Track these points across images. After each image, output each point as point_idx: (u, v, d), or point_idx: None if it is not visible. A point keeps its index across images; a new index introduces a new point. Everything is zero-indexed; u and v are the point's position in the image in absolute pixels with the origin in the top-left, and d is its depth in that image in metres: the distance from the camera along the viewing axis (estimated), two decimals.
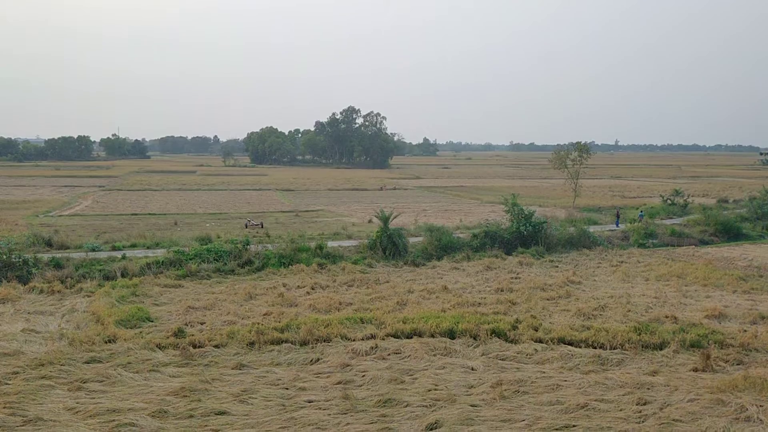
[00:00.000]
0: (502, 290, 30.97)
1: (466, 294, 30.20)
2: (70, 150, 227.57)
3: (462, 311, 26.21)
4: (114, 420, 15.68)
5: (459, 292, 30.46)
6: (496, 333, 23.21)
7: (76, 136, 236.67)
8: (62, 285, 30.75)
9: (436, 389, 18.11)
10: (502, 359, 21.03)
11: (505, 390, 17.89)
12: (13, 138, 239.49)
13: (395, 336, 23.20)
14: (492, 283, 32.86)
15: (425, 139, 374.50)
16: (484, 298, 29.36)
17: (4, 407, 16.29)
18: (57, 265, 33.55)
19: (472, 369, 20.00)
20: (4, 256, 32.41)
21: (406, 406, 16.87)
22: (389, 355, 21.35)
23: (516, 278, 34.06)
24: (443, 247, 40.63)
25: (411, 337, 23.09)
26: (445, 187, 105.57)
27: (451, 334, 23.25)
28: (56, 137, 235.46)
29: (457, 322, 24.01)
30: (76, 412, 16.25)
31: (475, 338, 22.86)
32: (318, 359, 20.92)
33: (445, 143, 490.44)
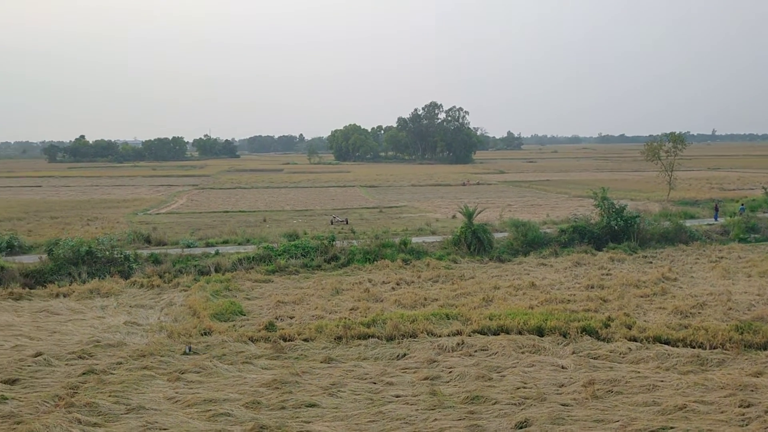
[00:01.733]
0: (592, 287, 30.10)
1: (555, 290, 29.54)
2: (165, 150, 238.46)
3: (551, 308, 25.66)
4: (210, 410, 16.32)
5: (547, 289, 29.83)
6: (587, 331, 22.57)
7: (170, 138, 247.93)
8: (160, 280, 32.27)
9: (524, 387, 17.81)
10: (594, 358, 20.43)
11: (598, 389, 17.38)
12: (113, 140, 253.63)
13: (482, 332, 22.98)
14: (582, 279, 31.98)
15: (509, 133, 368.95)
16: (574, 294, 28.62)
17: (109, 395, 17.27)
18: (155, 260, 35.25)
19: (563, 367, 19.54)
20: (107, 253, 34.37)
21: (494, 404, 16.69)
22: (476, 351, 21.18)
23: (607, 274, 33.01)
24: (529, 242, 39.89)
25: (498, 334, 22.81)
26: (530, 182, 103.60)
27: (540, 332, 22.79)
28: (152, 139, 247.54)
29: (546, 319, 23.52)
30: (176, 402, 17.02)
31: (564, 336, 22.33)
32: (404, 354, 21.01)
33: (530, 137, 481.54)
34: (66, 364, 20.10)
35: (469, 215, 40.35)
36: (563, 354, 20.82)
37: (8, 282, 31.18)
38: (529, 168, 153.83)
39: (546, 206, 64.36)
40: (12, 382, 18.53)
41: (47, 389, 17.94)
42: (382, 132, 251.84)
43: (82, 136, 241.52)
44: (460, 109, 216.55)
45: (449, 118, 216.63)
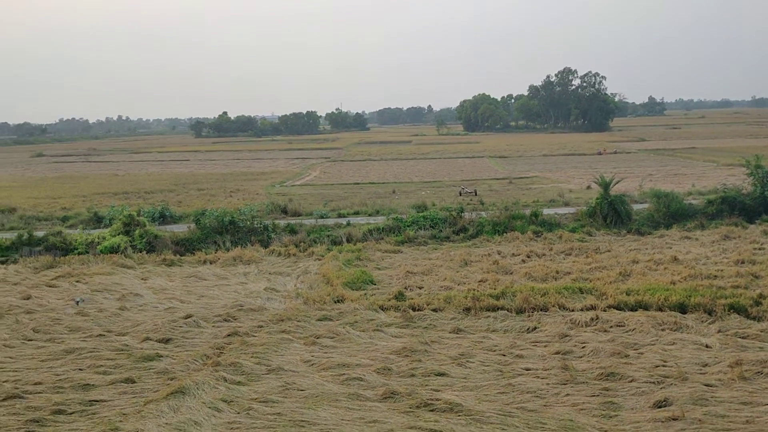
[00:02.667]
0: (742, 262, 27.89)
1: (700, 265, 27.68)
2: (300, 125, 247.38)
3: (694, 284, 24.11)
4: (344, 374, 16.95)
5: (691, 264, 28.01)
6: (735, 309, 21.00)
7: (305, 112, 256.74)
8: (296, 249, 33.72)
9: (664, 365, 16.94)
10: (743, 337, 19.00)
11: (746, 370, 16.18)
12: (252, 116, 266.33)
13: (618, 308, 22.06)
14: (730, 254, 29.72)
15: (650, 98, 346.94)
16: (721, 270, 26.66)
17: (251, 356, 18.40)
18: (292, 230, 36.88)
19: (707, 346, 18.36)
20: (248, 222, 36.40)
21: (630, 381, 16.03)
22: (611, 327, 20.39)
23: (759, 249, 30.45)
24: (672, 214, 37.56)
25: (635, 310, 21.79)
26: (673, 150, 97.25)
27: (682, 308, 21.51)
28: (288, 114, 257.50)
29: (689, 296, 22.13)
30: (312, 365, 17.84)
31: (709, 313, 20.93)
32: (535, 328, 20.64)
33: (674, 101, 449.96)
34: (213, 326, 21.63)
35: (606, 185, 38.61)
36: (708, 332, 19.56)
37: (161, 249, 33.92)
38: (673, 135, 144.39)
39: (691, 176, 60.25)
40: (166, 341, 20.23)
41: (196, 349, 19.42)
42: (513, 101, 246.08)
43: (225, 113, 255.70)
44: (596, 74, 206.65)
45: (584, 84, 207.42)
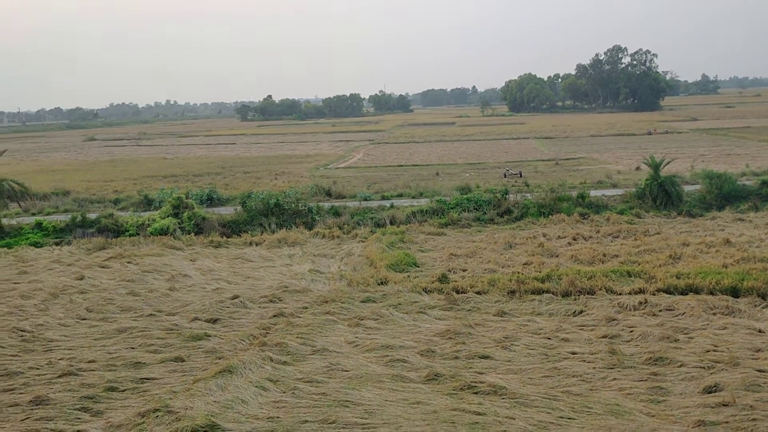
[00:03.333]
0: None
1: (753, 248, 26.82)
2: (343, 107, 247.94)
3: (747, 267, 23.34)
4: (388, 355, 17.04)
5: (744, 246, 27.16)
6: None
7: (348, 95, 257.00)
8: (340, 231, 33.94)
9: (715, 350, 16.52)
10: None
11: None
12: (296, 99, 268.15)
13: (667, 292, 21.58)
14: None
15: (704, 76, 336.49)
16: None
17: (296, 337, 18.64)
18: (335, 213, 37.11)
19: (760, 331, 17.83)
20: (293, 205, 36.77)
21: (680, 366, 15.69)
22: (660, 311, 19.97)
23: None
24: (725, 195, 36.44)
25: (686, 294, 21.30)
26: (727, 129, 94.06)
27: (734, 292, 20.93)
28: (332, 96, 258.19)
29: (742, 279, 21.49)
30: (356, 346, 17.98)
31: (763, 297, 20.31)
32: (581, 311, 20.37)
33: (728, 79, 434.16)
34: (259, 307, 21.98)
35: (656, 166, 37.65)
36: (761, 317, 18.99)
37: (209, 231, 34.56)
38: (726, 114, 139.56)
39: (745, 156, 58.20)
40: (214, 321, 20.66)
41: (243, 329, 19.79)
42: (560, 81, 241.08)
43: (270, 96, 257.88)
44: (647, 52, 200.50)
45: (634, 62, 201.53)
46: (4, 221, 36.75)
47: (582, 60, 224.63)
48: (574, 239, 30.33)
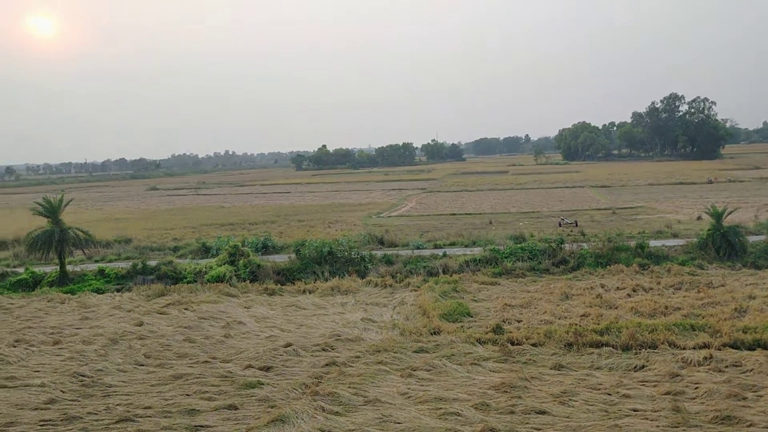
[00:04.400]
0: None
1: None
2: (396, 156, 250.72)
3: None
4: (441, 408, 16.71)
5: None
6: None
7: (401, 144, 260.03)
8: (392, 279, 33.88)
9: None
10: None
11: None
12: (350, 148, 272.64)
13: (733, 347, 20.66)
14: None
15: (765, 123, 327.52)
16: None
17: (348, 387, 18.50)
18: (388, 261, 37.13)
19: None
20: (346, 253, 37.02)
21: (748, 426, 14.89)
22: (726, 367, 19.08)
23: None
24: None
25: (753, 349, 20.35)
26: None
27: None
28: (385, 145, 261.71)
29: None
30: (408, 397, 17.71)
31: None
32: (643, 366, 19.62)
33: None
34: (311, 355, 21.97)
35: (718, 216, 36.52)
36: None
37: (263, 278, 35.03)
38: None
39: None
40: (267, 369, 20.72)
41: (296, 377, 19.77)
42: (615, 128, 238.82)
43: (324, 146, 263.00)
44: (705, 99, 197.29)
45: (692, 111, 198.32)
46: (69, 268, 38.10)
47: (637, 108, 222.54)
48: (634, 291, 29.47)
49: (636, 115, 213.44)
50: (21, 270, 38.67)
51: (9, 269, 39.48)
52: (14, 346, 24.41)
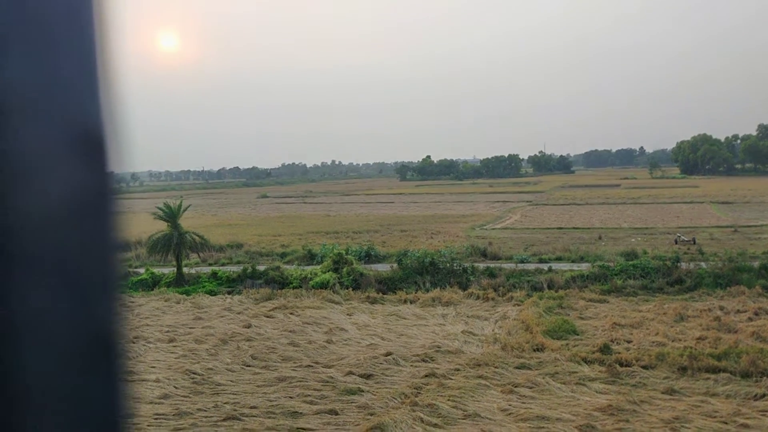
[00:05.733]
0: None
1: None
2: (501, 168, 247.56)
3: None
4: (543, 427, 16.25)
5: None
6: None
7: (506, 155, 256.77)
8: (495, 293, 33.37)
9: None
10: None
11: None
12: (454, 159, 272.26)
13: None
14: None
15: None
16: None
17: (448, 399, 18.37)
18: (491, 274, 36.63)
19: None
20: (448, 264, 36.88)
21: None
22: None
23: None
24: None
25: None
26: None
27: None
28: (490, 157, 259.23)
29: None
30: (509, 414, 17.35)
31: None
32: (764, 395, 18.25)
33: None
34: (411, 365, 22.01)
35: None
36: None
37: (366, 287, 35.52)
38: None
39: None
40: (367, 376, 20.96)
41: (395, 386, 19.87)
42: (739, 141, 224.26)
43: (428, 156, 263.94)
44: None
45: None
46: (185, 270, 40.29)
47: (764, 120, 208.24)
48: (756, 314, 27.45)
49: (762, 128, 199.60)
50: (142, 270, 41.30)
51: (131, 269, 42.26)
52: (133, 342, 26.08)
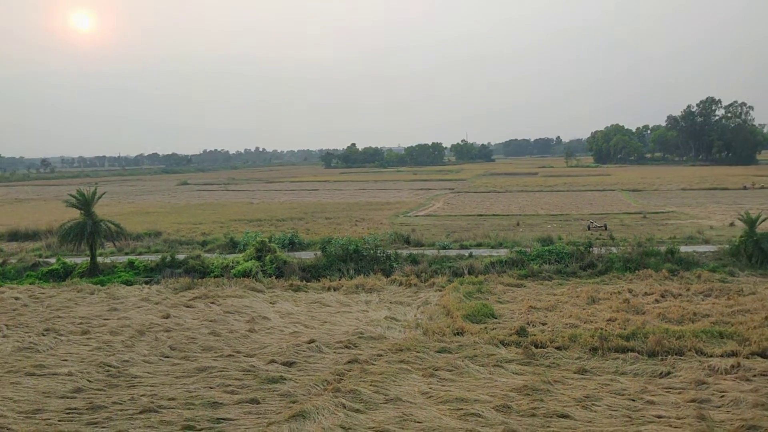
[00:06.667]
0: None
1: None
2: (425, 156, 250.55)
3: None
4: (462, 408, 16.66)
5: None
6: None
7: (430, 144, 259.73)
8: (417, 279, 33.85)
9: None
10: None
11: None
12: (379, 147, 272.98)
13: (762, 355, 20.25)
14: None
15: None
16: None
17: (370, 384, 18.56)
18: (413, 260, 37.11)
19: None
20: (372, 251, 37.09)
21: None
22: (754, 376, 18.70)
23: None
24: None
25: None
26: None
27: None
28: (414, 145, 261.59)
29: None
30: (429, 397, 17.70)
31: None
32: (668, 373, 19.33)
33: None
34: (334, 352, 22.08)
35: (751, 223, 35.77)
36: None
37: (289, 275, 35.27)
38: None
39: None
40: (290, 364, 20.88)
41: (318, 374, 19.89)
42: (649, 132, 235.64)
43: (353, 144, 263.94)
44: (743, 104, 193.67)
45: (729, 115, 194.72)
46: (100, 259, 38.82)
47: (672, 111, 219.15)
48: (662, 296, 29.03)
49: (671, 119, 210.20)
50: (53, 260, 39.51)
51: (41, 259, 40.35)
52: (43, 335, 24.98)
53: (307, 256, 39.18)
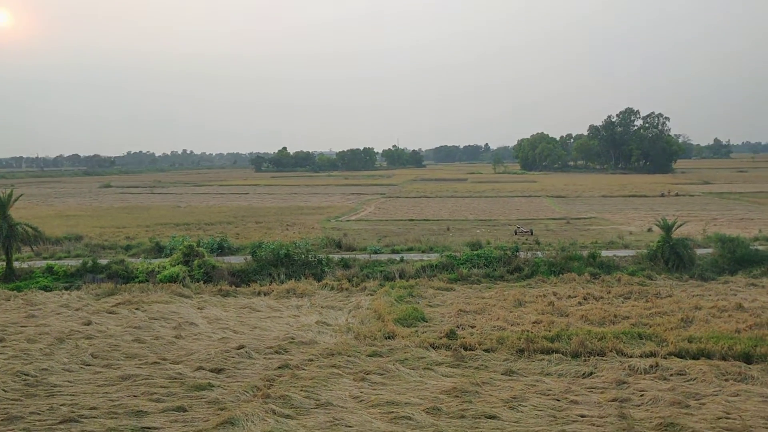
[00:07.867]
0: None
1: (767, 314, 26.44)
2: (357, 161, 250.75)
3: (761, 333, 23.05)
4: (393, 412, 16.76)
5: (757, 312, 26.79)
6: None
7: (362, 148, 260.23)
8: (349, 283, 33.85)
9: (727, 418, 16.15)
10: None
11: None
12: (311, 151, 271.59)
13: (678, 356, 21.26)
14: None
15: (716, 140, 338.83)
16: None
17: (301, 390, 18.42)
18: (345, 265, 37.07)
19: None
20: (303, 256, 36.83)
21: None
22: (671, 375, 19.62)
23: None
24: (738, 260, 36.11)
25: (697, 358, 20.97)
26: (740, 193, 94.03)
27: (747, 358, 20.59)
28: (345, 150, 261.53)
29: (755, 345, 21.17)
30: (360, 401, 17.71)
31: None
32: (591, 373, 20.04)
33: (740, 144, 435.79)
34: (264, 358, 21.79)
35: (668, 228, 37.53)
36: None
37: (218, 280, 34.58)
38: (739, 178, 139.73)
39: (758, 221, 57.95)
40: (218, 371, 20.47)
41: (247, 380, 19.58)
42: (572, 141, 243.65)
43: (284, 148, 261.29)
44: (660, 115, 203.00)
45: (647, 125, 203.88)
46: (16, 264, 37.00)
47: (594, 121, 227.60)
48: (585, 299, 30.06)
49: (593, 128, 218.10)
50: None
51: None
52: None
53: (237, 260, 38.53)
